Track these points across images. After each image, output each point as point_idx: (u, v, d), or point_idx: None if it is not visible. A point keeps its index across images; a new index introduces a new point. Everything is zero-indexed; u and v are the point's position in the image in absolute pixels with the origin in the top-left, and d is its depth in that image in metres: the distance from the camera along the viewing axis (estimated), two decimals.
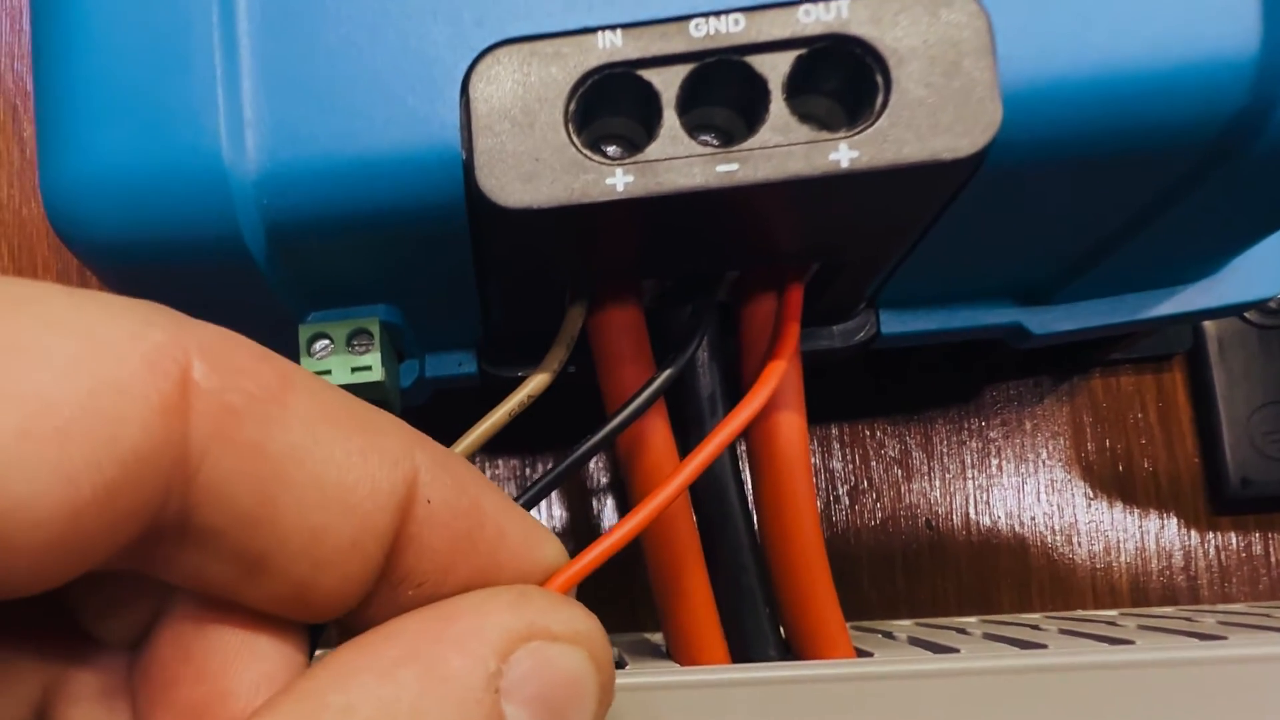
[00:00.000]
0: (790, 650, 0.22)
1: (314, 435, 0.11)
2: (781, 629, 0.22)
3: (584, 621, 0.12)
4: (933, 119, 0.15)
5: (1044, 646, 0.20)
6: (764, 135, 0.16)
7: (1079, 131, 0.16)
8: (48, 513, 0.09)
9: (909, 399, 0.30)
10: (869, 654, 0.21)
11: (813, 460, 0.30)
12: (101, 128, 0.17)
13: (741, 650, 0.21)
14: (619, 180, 0.16)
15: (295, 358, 0.20)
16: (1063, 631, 0.23)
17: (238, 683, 0.12)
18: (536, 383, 0.21)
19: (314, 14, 0.17)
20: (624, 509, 0.31)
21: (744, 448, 0.22)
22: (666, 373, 0.20)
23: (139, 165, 0.17)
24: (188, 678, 0.12)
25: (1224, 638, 0.19)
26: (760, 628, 0.21)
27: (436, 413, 0.25)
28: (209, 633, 0.12)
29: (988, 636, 0.23)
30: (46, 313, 0.10)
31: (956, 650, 0.20)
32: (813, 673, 0.19)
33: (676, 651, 0.21)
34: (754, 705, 0.19)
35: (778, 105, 0.16)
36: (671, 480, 0.17)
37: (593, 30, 0.16)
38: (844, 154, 0.16)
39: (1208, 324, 0.29)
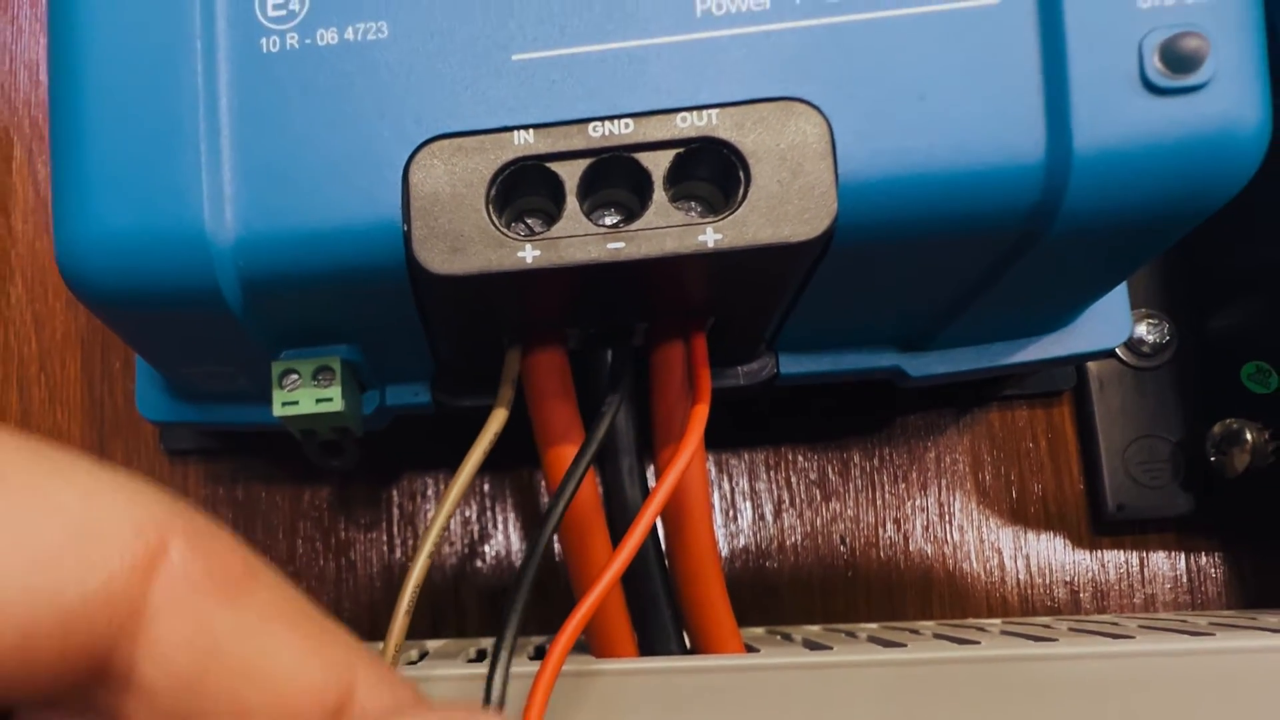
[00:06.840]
0: (690, 648, 0.25)
1: (265, 623, 0.12)
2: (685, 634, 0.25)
3: None
4: (782, 209, 0.19)
5: (904, 646, 0.23)
6: (648, 218, 0.19)
7: (905, 220, 0.19)
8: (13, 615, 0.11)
9: (829, 429, 0.34)
10: (757, 651, 0.24)
11: (740, 482, 0.34)
12: (107, 201, 0.20)
13: (648, 646, 0.25)
14: (528, 254, 0.19)
15: (269, 390, 0.24)
16: (936, 635, 0.26)
17: None
18: (498, 420, 0.24)
19: (283, 111, 0.20)
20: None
21: (652, 470, 0.26)
22: (594, 444, 0.23)
23: (137, 232, 0.20)
24: None
25: (1055, 639, 0.23)
26: (664, 628, 0.25)
27: (397, 435, 0.29)
28: None
29: (870, 638, 0.26)
30: (74, 471, 0.12)
31: (830, 648, 0.23)
32: (703, 664, 0.22)
33: (593, 647, 0.25)
34: (655, 691, 0.22)
35: (659, 194, 0.19)
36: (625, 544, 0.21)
37: (510, 129, 0.20)
38: (710, 236, 0.19)
39: (1090, 364, 0.32)
